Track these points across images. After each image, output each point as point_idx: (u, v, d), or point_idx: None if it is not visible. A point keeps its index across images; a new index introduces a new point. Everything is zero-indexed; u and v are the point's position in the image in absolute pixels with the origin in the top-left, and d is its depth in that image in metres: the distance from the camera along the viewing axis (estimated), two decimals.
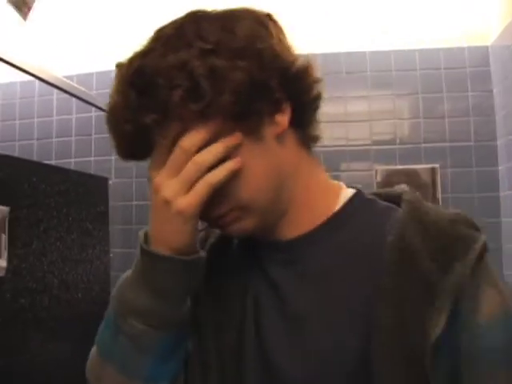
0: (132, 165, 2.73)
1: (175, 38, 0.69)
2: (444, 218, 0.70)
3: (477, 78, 2.62)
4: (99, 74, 2.80)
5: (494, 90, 2.59)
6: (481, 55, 2.62)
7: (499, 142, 2.57)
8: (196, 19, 0.71)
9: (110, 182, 2.69)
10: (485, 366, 0.62)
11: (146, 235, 0.73)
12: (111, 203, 2.63)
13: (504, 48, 2.43)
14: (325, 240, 0.76)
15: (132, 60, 0.70)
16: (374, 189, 2.52)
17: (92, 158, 2.83)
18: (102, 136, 2.73)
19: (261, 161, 0.71)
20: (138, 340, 0.72)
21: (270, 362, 0.74)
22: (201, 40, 0.67)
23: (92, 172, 2.71)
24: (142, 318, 0.71)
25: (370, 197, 0.81)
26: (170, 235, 0.69)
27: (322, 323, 0.71)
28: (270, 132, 0.72)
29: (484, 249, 0.65)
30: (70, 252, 2.25)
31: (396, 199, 0.79)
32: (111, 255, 2.65)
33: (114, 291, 0.77)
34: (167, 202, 0.68)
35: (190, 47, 0.66)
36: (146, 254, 0.71)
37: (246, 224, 0.73)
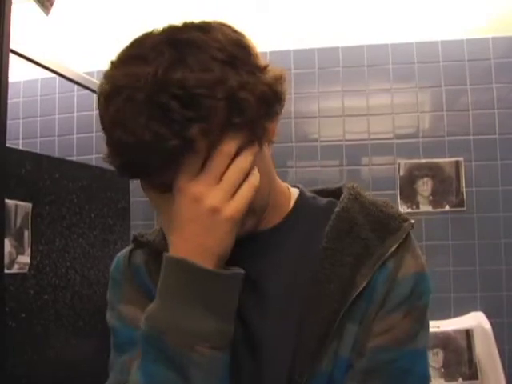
0: None
1: (197, 49, 0.68)
2: (378, 201, 0.87)
3: (502, 69, 2.57)
4: None
5: None
6: (506, 46, 2.57)
7: None
8: (208, 29, 0.71)
9: None
10: (390, 307, 0.78)
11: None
12: (132, 199, 2.63)
13: None
14: (285, 235, 0.86)
15: (156, 71, 0.66)
16: (397, 183, 2.51)
17: None
18: None
19: (264, 166, 0.78)
20: (209, 366, 0.70)
21: (259, 360, 0.79)
22: (222, 52, 0.69)
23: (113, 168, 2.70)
24: (210, 342, 0.70)
25: (310, 195, 0.92)
26: (216, 243, 0.70)
27: (293, 321, 0.79)
28: (264, 139, 0.77)
29: (410, 227, 0.82)
30: (92, 248, 2.25)
31: (336, 192, 0.92)
32: None
33: (147, 328, 0.71)
34: (215, 210, 0.69)
35: (218, 60, 0.68)
36: (210, 277, 0.70)
37: (250, 224, 0.78)
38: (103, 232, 2.37)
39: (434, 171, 2.58)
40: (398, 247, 0.80)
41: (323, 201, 0.91)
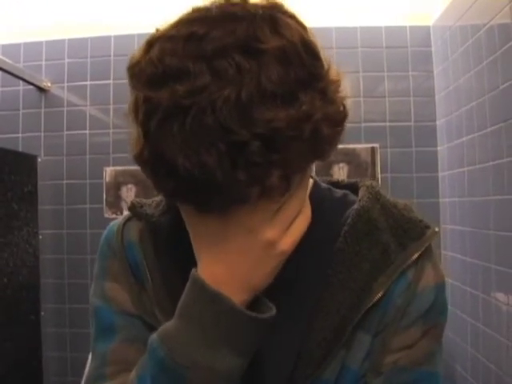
0: (63, 142, 2.62)
1: (279, 65, 0.56)
2: (399, 203, 0.79)
3: (418, 58, 2.60)
4: (27, 44, 2.63)
5: (435, 71, 2.58)
6: (422, 35, 2.60)
7: (439, 123, 2.57)
8: (277, 25, 0.59)
9: (39, 160, 2.60)
10: (408, 322, 0.73)
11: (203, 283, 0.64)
12: (40, 182, 2.55)
13: (445, 28, 2.40)
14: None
15: (238, 96, 0.54)
16: (313, 168, 2.48)
17: (20, 135, 2.67)
18: (30, 111, 2.59)
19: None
20: None
21: (260, 363, 0.73)
22: (303, 68, 0.58)
23: (20, 149, 2.59)
24: (231, 379, 0.65)
25: (325, 186, 0.84)
26: (261, 279, 0.65)
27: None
28: None
29: (434, 235, 0.76)
30: None
31: (351, 187, 0.84)
32: (40, 237, 2.55)
33: (168, 360, 0.64)
34: (272, 244, 0.63)
35: (302, 83, 0.58)
36: (246, 320, 0.63)
37: None
38: (7, 217, 2.28)
39: (349, 157, 2.59)
40: (418, 256, 0.74)
41: (339, 193, 0.83)
